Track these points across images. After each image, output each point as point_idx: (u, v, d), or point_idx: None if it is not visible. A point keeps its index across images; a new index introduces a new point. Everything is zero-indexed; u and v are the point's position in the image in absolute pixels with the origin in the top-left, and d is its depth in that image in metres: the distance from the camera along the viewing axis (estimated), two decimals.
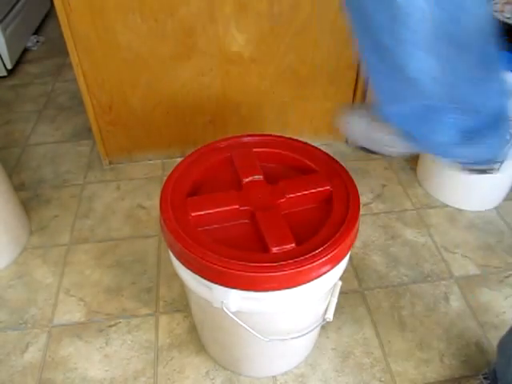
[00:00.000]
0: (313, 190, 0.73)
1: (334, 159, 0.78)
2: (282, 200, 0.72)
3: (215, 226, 0.70)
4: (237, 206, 0.71)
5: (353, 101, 1.34)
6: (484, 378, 0.81)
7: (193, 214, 0.69)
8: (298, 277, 0.62)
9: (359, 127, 0.73)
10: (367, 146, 0.74)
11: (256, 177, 0.76)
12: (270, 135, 0.84)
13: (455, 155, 0.65)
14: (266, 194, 0.73)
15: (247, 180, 0.75)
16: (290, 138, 0.83)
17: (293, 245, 0.65)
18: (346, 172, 0.76)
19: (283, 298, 0.65)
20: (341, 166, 0.77)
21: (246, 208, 0.71)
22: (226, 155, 0.81)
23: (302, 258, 0.62)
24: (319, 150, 0.81)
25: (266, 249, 0.65)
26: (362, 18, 0.56)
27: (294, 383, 0.88)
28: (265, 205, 0.71)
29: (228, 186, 0.76)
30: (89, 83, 1.21)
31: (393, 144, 0.69)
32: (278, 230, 0.67)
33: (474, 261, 1.10)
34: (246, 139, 0.83)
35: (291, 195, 0.72)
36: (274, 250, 0.64)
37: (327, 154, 0.80)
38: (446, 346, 0.94)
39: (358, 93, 1.32)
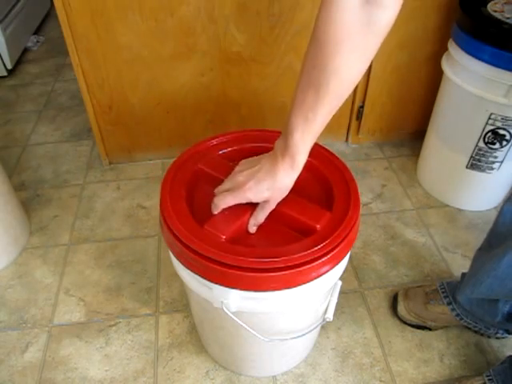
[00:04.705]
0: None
1: (335, 156, 0.77)
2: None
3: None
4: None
5: (353, 100, 1.34)
6: (488, 380, 0.80)
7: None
8: (298, 277, 0.62)
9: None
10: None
11: None
12: (268, 130, 0.83)
13: None
14: None
15: None
16: None
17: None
18: (348, 170, 0.74)
19: (283, 298, 0.65)
20: (342, 163, 0.75)
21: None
22: (224, 150, 0.80)
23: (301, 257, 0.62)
24: (320, 145, 0.80)
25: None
26: None
27: (294, 383, 0.88)
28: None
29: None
30: (89, 83, 1.21)
31: None
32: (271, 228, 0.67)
33: None
34: (243, 134, 0.82)
35: (291, 193, 0.72)
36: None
37: (328, 151, 0.78)
38: (445, 345, 0.94)
39: (358, 93, 1.32)
